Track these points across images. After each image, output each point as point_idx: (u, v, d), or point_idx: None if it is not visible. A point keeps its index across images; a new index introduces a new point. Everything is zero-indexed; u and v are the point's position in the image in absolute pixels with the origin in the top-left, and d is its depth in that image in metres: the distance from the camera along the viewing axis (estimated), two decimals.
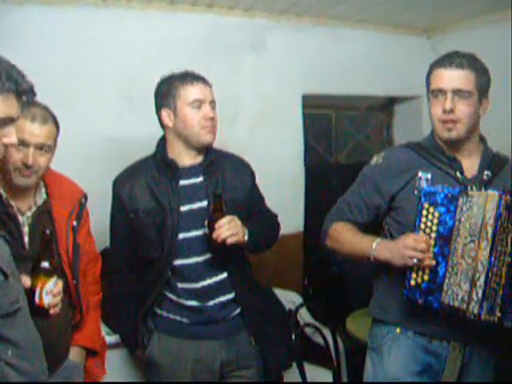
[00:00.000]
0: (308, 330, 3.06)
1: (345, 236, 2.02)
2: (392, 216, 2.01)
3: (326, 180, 4.30)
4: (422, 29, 3.97)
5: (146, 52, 3.13)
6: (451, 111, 1.86)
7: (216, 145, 2.21)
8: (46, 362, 1.42)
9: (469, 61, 1.89)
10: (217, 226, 1.98)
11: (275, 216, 2.40)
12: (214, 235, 1.99)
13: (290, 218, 3.48)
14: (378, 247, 1.88)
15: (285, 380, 2.51)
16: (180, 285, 2.11)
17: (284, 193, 3.49)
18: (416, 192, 1.91)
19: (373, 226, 2.07)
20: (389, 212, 2.02)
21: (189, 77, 2.13)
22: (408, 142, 2.09)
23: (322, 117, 4.36)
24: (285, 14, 3.51)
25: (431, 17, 3.66)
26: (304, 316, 3.11)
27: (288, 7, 3.38)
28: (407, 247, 1.77)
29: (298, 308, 3.01)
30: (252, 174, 2.32)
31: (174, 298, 2.13)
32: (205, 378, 2.14)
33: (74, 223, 1.98)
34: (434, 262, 1.78)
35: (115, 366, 2.34)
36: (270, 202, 2.44)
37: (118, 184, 2.18)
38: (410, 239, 1.79)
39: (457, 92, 1.87)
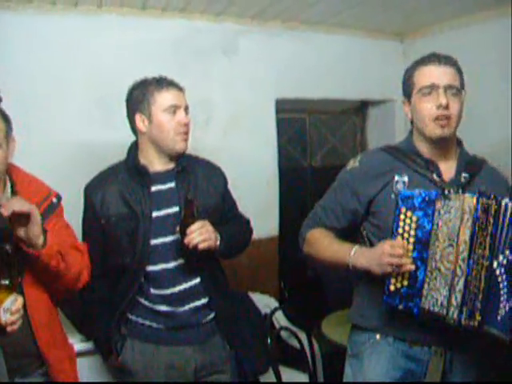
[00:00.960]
0: (284, 334, 3.06)
1: (321, 243, 1.98)
2: (370, 220, 1.97)
3: (301, 183, 4.33)
4: (395, 33, 4.00)
5: (118, 57, 3.10)
6: (446, 107, 1.83)
7: (189, 150, 2.19)
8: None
9: (453, 60, 1.90)
10: (188, 231, 1.97)
11: (247, 221, 2.40)
12: (186, 241, 1.98)
13: (265, 221, 3.49)
14: (355, 255, 1.83)
15: None
16: (153, 290, 2.10)
17: (258, 197, 3.49)
18: (393, 196, 1.87)
19: (351, 231, 2.02)
20: (367, 217, 1.98)
21: (163, 82, 2.12)
22: (385, 145, 2.06)
23: (296, 121, 4.38)
24: (257, 18, 3.51)
25: (404, 21, 3.69)
26: (280, 320, 3.11)
27: (260, 12, 3.38)
28: (385, 254, 1.72)
29: (273, 312, 3.02)
30: (224, 179, 2.31)
31: (147, 303, 2.11)
32: None
33: None
34: (413, 267, 1.73)
35: (88, 373, 2.33)
36: (245, 207, 2.43)
37: (90, 190, 2.16)
38: (387, 246, 1.73)
39: (448, 88, 1.85)
